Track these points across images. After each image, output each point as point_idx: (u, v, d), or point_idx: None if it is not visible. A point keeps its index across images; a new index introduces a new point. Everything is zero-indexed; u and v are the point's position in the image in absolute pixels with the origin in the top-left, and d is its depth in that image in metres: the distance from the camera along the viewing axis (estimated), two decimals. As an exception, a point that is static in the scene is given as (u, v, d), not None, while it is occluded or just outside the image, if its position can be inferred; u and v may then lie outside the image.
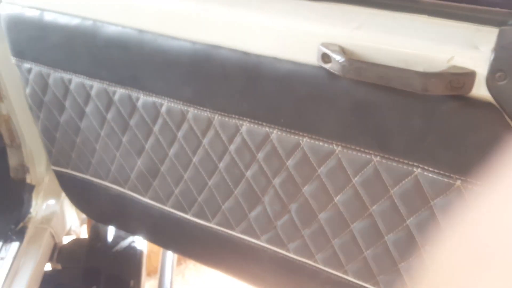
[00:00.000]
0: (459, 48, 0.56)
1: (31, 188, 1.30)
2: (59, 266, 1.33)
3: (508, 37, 0.53)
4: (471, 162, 0.61)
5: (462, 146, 0.60)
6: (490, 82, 0.55)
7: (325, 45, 0.63)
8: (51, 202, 1.33)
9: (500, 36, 0.54)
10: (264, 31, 0.69)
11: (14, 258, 1.13)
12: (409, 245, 0.73)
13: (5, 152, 1.33)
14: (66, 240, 1.40)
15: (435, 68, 0.57)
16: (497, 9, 0.57)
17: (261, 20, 0.69)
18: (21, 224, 1.23)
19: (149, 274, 2.22)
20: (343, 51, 0.63)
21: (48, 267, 1.28)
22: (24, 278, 1.11)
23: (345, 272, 0.84)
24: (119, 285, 1.23)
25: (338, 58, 0.61)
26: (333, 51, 0.62)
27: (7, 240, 1.18)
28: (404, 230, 0.72)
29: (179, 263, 2.23)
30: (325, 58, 0.63)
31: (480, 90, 0.56)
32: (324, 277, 0.87)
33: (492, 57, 0.54)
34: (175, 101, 0.84)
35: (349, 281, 0.84)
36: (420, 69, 0.58)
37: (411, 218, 0.70)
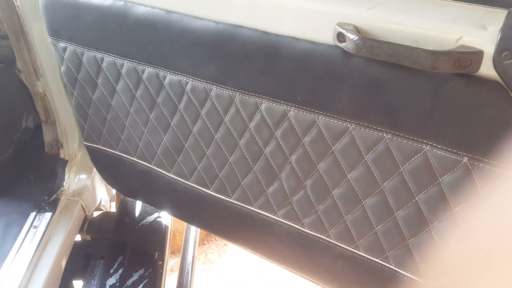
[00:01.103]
0: (468, 28, 0.59)
1: (64, 162, 1.38)
2: (88, 237, 1.41)
3: (517, 18, 0.55)
4: (478, 139, 0.63)
5: (469, 123, 0.62)
6: (497, 61, 0.57)
7: (340, 25, 0.66)
8: (83, 176, 1.40)
9: (508, 17, 0.56)
10: (283, 11, 0.73)
11: (47, 227, 1.21)
12: (418, 221, 0.75)
13: (40, 128, 1.41)
14: (96, 214, 1.48)
15: (445, 47, 0.60)
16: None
17: (280, 0, 0.73)
18: (54, 196, 1.31)
19: (173, 252, 2.30)
20: (357, 30, 0.66)
21: (78, 237, 1.36)
22: (56, 246, 1.19)
23: (357, 247, 0.87)
24: (144, 256, 1.29)
25: (352, 37, 0.64)
26: (347, 30, 0.65)
27: (40, 210, 1.26)
28: (414, 206, 0.75)
29: (201, 243, 2.31)
30: (340, 37, 0.66)
31: (487, 69, 0.58)
32: (337, 252, 0.91)
33: (499, 37, 0.56)
34: (199, 79, 0.88)
35: (360, 255, 0.87)
36: (430, 48, 0.60)
37: (420, 195, 0.73)
